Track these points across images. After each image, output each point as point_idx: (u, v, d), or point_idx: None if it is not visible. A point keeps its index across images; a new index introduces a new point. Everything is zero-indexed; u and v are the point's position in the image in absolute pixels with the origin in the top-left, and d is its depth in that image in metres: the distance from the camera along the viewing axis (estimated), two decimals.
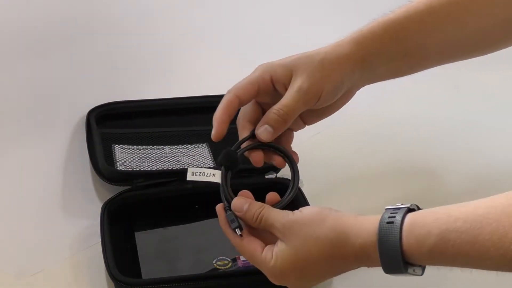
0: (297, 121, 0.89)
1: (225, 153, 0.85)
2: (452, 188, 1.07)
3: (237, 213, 0.82)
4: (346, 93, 0.89)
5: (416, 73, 1.14)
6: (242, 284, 0.93)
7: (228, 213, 0.83)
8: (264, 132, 0.85)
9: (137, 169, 1.04)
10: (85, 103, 1.11)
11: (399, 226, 0.73)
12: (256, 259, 0.81)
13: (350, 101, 1.08)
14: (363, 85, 0.91)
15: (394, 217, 0.74)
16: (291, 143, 0.90)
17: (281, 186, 1.01)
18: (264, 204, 0.82)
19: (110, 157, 1.05)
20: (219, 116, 0.86)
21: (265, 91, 0.87)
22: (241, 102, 0.87)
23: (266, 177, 1.03)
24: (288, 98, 0.85)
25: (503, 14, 0.89)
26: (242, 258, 0.92)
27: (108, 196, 1.00)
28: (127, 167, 1.04)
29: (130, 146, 1.07)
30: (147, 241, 0.98)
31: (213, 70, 1.22)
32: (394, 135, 1.15)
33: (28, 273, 0.94)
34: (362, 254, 0.76)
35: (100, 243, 0.94)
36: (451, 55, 0.93)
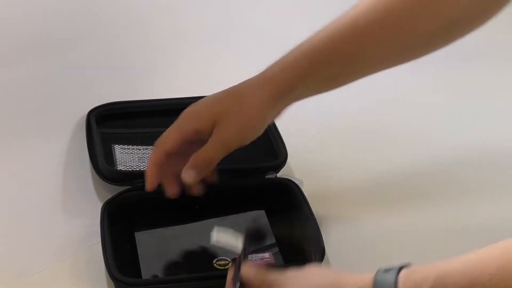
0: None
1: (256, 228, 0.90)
2: (455, 185, 1.07)
3: None
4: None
5: (416, 73, 1.15)
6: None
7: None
8: (187, 176, 0.91)
9: (137, 169, 1.04)
10: (85, 103, 1.11)
11: (396, 272, 0.74)
12: None
13: (350, 101, 1.09)
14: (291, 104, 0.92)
15: (390, 269, 0.75)
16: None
17: (281, 186, 1.01)
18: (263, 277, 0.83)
19: (110, 157, 1.05)
20: (149, 172, 0.93)
21: (190, 140, 0.92)
22: (168, 154, 0.93)
23: (266, 177, 1.03)
24: (211, 146, 0.91)
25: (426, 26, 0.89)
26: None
27: (108, 196, 1.00)
28: (127, 167, 1.04)
29: (130, 146, 1.07)
30: (147, 241, 0.98)
31: (214, 70, 1.22)
32: (394, 134, 1.15)
33: (28, 273, 0.94)
34: None
35: (100, 243, 0.94)
36: (382, 65, 0.93)
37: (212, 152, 0.91)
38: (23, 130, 1.09)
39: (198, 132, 0.92)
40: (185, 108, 1.12)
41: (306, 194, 0.99)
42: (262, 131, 0.91)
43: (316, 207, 0.97)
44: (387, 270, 0.75)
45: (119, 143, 1.07)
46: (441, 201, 1.04)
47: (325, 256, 0.93)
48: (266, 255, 0.95)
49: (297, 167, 1.06)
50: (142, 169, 1.03)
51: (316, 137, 1.05)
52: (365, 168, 1.09)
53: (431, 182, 1.08)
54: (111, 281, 0.90)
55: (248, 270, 0.83)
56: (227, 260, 0.93)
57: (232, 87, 0.92)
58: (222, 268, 0.93)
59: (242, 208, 1.00)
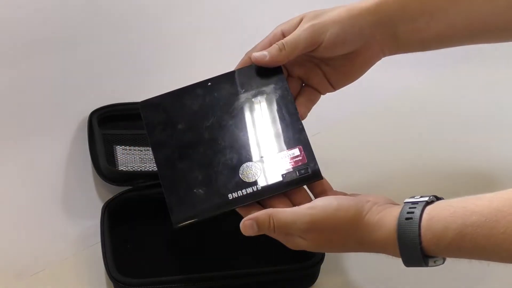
0: (324, 84, 0.92)
1: None
2: (455, 185, 1.07)
3: (253, 235, 0.83)
4: (365, 52, 0.90)
5: (417, 73, 1.14)
6: (243, 285, 0.93)
7: None
8: (259, 55, 0.90)
9: (138, 169, 1.04)
10: (87, 105, 1.11)
11: (417, 222, 0.75)
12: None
13: (350, 101, 1.08)
14: (389, 50, 0.91)
15: (413, 212, 0.76)
16: (314, 103, 0.93)
17: None
18: (270, 212, 0.82)
19: (111, 158, 1.05)
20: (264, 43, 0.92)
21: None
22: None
23: None
24: (291, 34, 0.89)
25: None
26: (270, 161, 0.87)
27: (109, 196, 1.00)
28: (128, 168, 1.04)
29: (132, 147, 1.07)
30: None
31: (215, 72, 1.22)
32: (394, 134, 1.15)
33: (28, 273, 0.94)
34: (383, 250, 0.78)
35: (100, 243, 0.94)
36: (479, 32, 0.91)
37: (291, 35, 0.89)
38: (25, 130, 1.09)
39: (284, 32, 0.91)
40: None
41: None
42: (347, 38, 0.89)
43: None
44: (409, 215, 0.76)
45: (121, 144, 1.08)
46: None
47: (325, 257, 0.93)
48: (296, 151, 0.88)
49: None
50: (143, 170, 1.04)
51: (316, 137, 1.05)
52: (365, 168, 1.09)
53: (431, 182, 1.07)
54: (110, 281, 0.91)
55: (247, 229, 0.82)
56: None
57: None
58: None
59: None
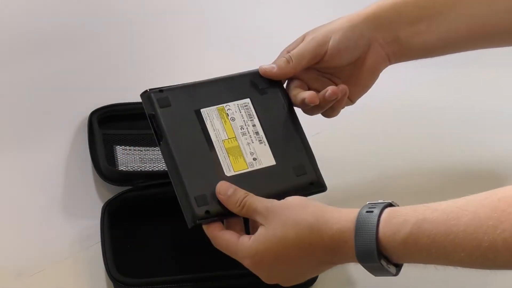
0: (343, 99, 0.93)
1: None
2: (455, 185, 1.07)
3: (220, 196, 0.84)
4: (371, 57, 0.92)
5: (417, 72, 1.14)
6: (243, 285, 0.93)
7: None
8: (268, 66, 0.93)
9: (138, 169, 1.04)
10: (87, 105, 1.11)
11: (377, 214, 0.75)
12: (231, 244, 0.82)
13: None
14: (394, 55, 0.93)
15: (374, 207, 0.76)
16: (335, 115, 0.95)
17: None
18: (249, 193, 0.84)
19: (111, 158, 1.05)
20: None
21: None
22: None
23: None
24: (297, 47, 0.92)
25: None
26: None
27: (109, 196, 1.00)
28: (128, 168, 1.04)
29: (132, 147, 1.07)
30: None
31: (216, 72, 1.22)
32: (394, 134, 1.15)
33: (28, 273, 0.94)
34: (339, 240, 0.76)
35: (100, 243, 0.94)
36: (481, 36, 0.93)
37: (297, 48, 0.92)
38: (25, 131, 1.09)
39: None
40: None
41: None
42: (350, 45, 0.92)
43: None
44: (371, 209, 0.76)
45: (121, 144, 1.08)
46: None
47: None
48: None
49: None
50: (143, 170, 1.04)
51: (316, 137, 1.05)
52: (365, 168, 1.09)
53: (431, 183, 1.08)
54: (110, 281, 0.91)
55: (223, 188, 0.84)
56: None
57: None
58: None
59: None
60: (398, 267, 0.76)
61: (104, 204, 0.98)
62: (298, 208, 0.80)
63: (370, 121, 1.15)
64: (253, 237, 0.81)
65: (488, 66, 1.23)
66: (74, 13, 1.19)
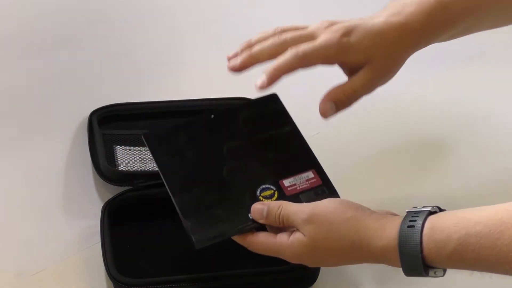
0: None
1: None
2: (457, 189, 1.07)
3: (259, 221, 0.85)
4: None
5: (417, 72, 1.14)
6: (243, 285, 0.93)
7: None
8: (329, 110, 0.87)
9: (138, 169, 1.04)
10: (87, 105, 1.11)
11: (419, 230, 0.74)
12: (268, 243, 0.83)
13: None
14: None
15: (415, 221, 0.75)
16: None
17: None
18: (281, 202, 0.84)
19: (111, 158, 1.05)
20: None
21: (326, 63, 0.89)
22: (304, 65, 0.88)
23: None
24: (357, 83, 0.88)
25: None
26: (286, 183, 0.90)
27: (109, 196, 1.00)
28: (128, 168, 1.04)
29: (132, 147, 1.07)
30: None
31: (216, 72, 1.22)
32: (394, 134, 1.15)
33: (28, 273, 0.94)
34: (383, 258, 0.77)
35: (100, 243, 0.94)
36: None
37: (358, 87, 0.88)
38: (25, 130, 1.09)
39: (342, 64, 0.89)
40: (187, 110, 1.13)
41: None
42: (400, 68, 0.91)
43: None
44: (411, 224, 0.75)
45: (121, 144, 1.08)
46: (443, 202, 1.03)
47: None
48: (311, 174, 0.91)
49: None
50: (143, 170, 1.04)
51: (316, 137, 1.05)
52: (365, 168, 1.09)
53: (431, 183, 1.08)
54: (110, 281, 0.91)
55: (257, 211, 0.84)
56: (272, 189, 0.90)
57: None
58: (268, 200, 0.89)
59: None
60: (444, 269, 0.77)
61: (104, 204, 0.98)
62: (338, 221, 0.79)
63: (370, 121, 1.15)
64: (290, 240, 0.81)
65: (490, 65, 1.23)
66: (74, 13, 1.20)
